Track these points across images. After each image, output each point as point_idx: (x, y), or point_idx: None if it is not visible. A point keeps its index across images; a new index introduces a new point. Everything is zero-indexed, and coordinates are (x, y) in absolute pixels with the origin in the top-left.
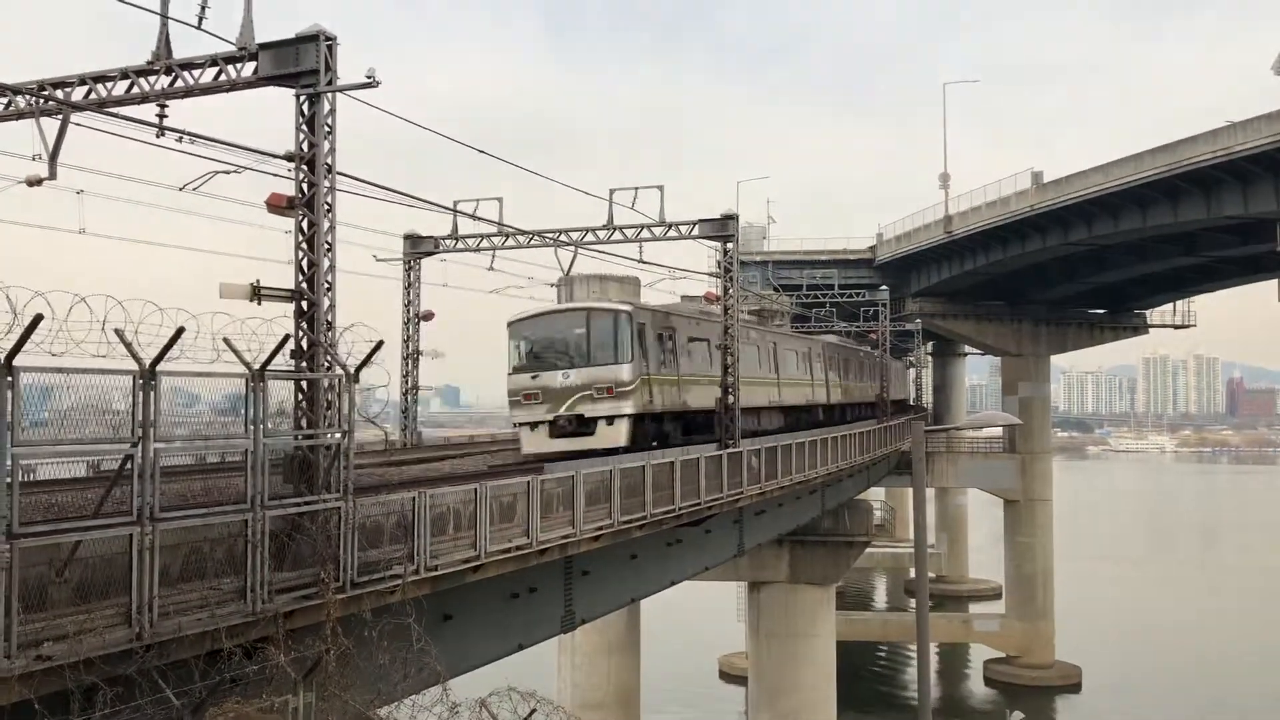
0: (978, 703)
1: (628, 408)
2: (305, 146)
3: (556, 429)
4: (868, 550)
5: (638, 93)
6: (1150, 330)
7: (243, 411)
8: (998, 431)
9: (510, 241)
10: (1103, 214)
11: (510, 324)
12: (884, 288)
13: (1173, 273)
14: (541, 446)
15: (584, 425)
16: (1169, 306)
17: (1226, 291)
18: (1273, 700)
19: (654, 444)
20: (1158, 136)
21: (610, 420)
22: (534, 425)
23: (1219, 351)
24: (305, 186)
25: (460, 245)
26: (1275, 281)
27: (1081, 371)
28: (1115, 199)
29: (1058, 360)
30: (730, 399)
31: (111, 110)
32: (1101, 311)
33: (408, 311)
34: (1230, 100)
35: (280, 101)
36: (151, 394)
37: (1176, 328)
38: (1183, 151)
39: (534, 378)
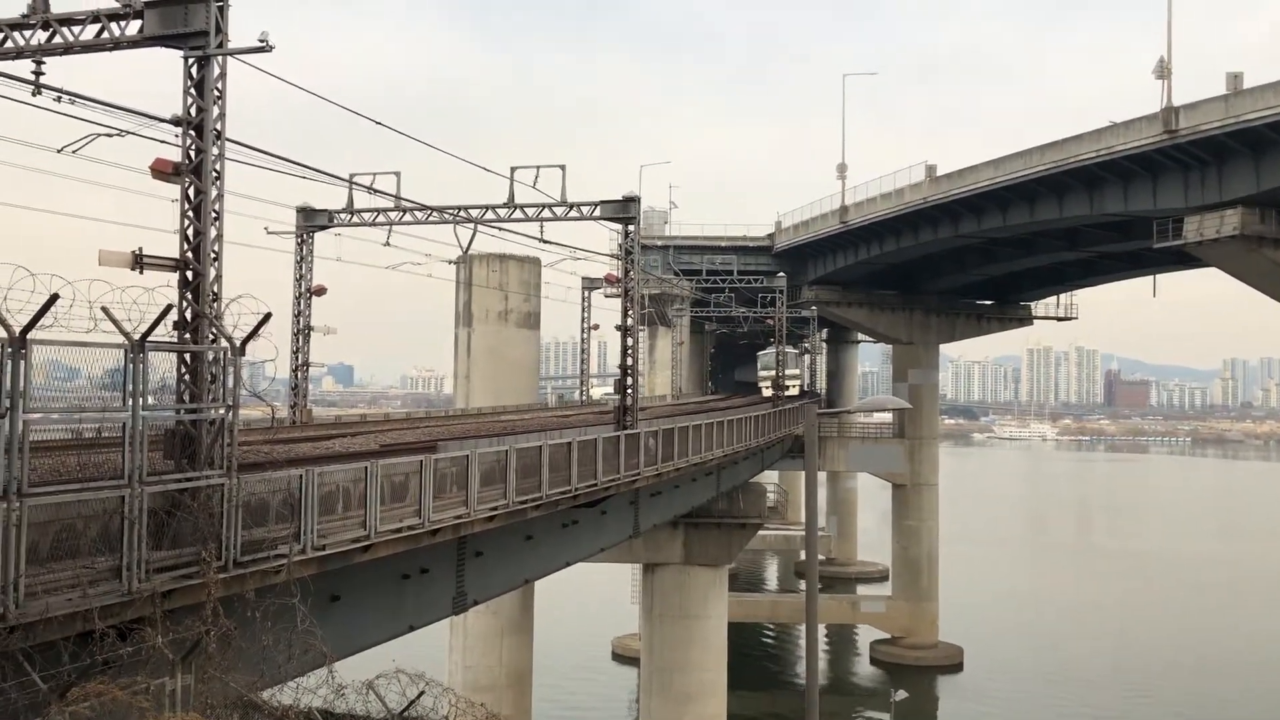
0: (864, 682)
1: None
2: (193, 111)
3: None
4: (760, 532)
5: (548, 74)
6: (1035, 322)
7: (123, 387)
8: (888, 418)
9: (408, 217)
10: (992, 207)
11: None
12: (782, 275)
13: (1057, 267)
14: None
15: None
16: (1053, 299)
17: (1107, 286)
18: (1141, 674)
19: None
20: (1046, 134)
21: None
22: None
23: (1099, 344)
24: (193, 153)
25: (356, 219)
26: (1152, 277)
27: (969, 361)
28: (1005, 193)
29: (946, 349)
30: (630, 380)
31: None
32: (989, 303)
33: (299, 286)
34: (1115, 101)
35: (167, 63)
36: (22, 363)
37: (1060, 320)
38: (1069, 149)
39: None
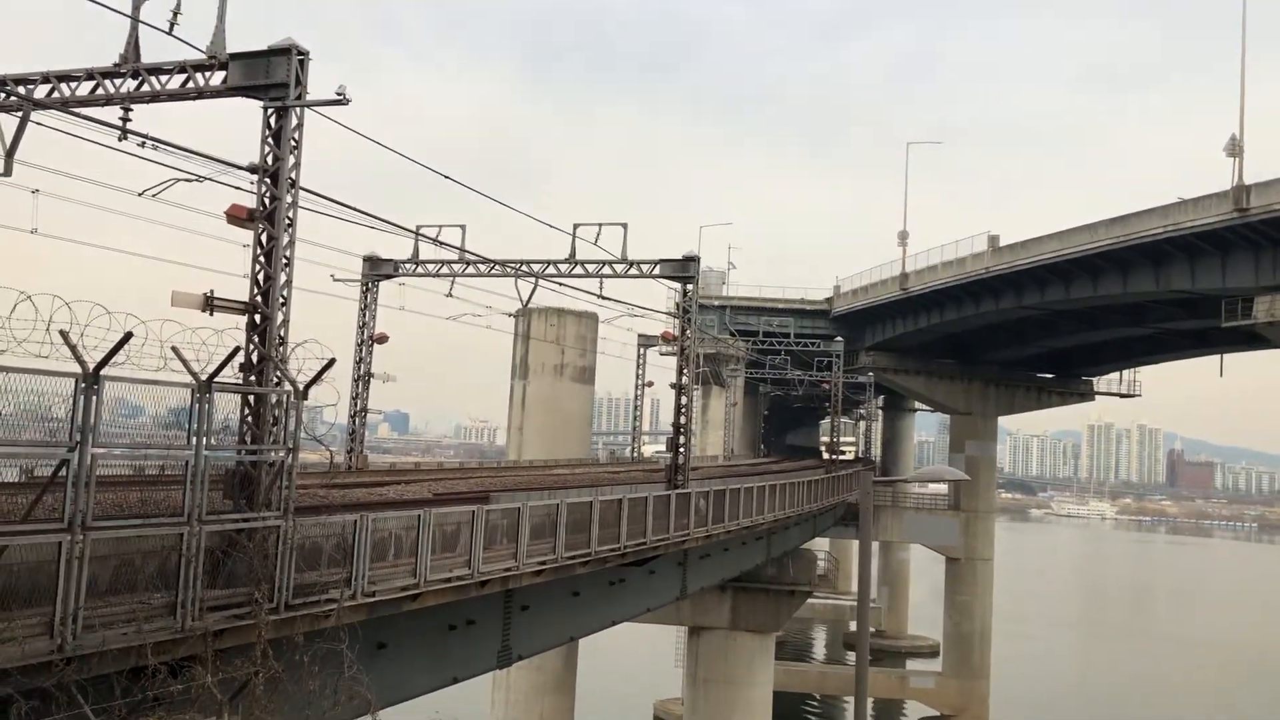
0: None
1: None
2: (270, 159)
3: None
4: (808, 601)
5: (613, 131)
6: (1096, 397)
7: (186, 426)
8: (943, 489)
9: (470, 270)
10: (1056, 280)
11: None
12: (839, 339)
13: (1121, 342)
14: None
15: None
16: (1115, 375)
17: (1172, 364)
18: None
19: None
20: (1112, 209)
21: None
22: None
23: (1162, 422)
24: (267, 199)
25: (420, 270)
26: (1219, 356)
27: (1027, 434)
28: (1068, 266)
29: (1005, 422)
30: (682, 439)
31: (74, 110)
32: (1050, 376)
33: (362, 333)
34: (1184, 178)
35: (239, 111)
36: (94, 399)
37: (1122, 396)
38: (1134, 224)
39: None
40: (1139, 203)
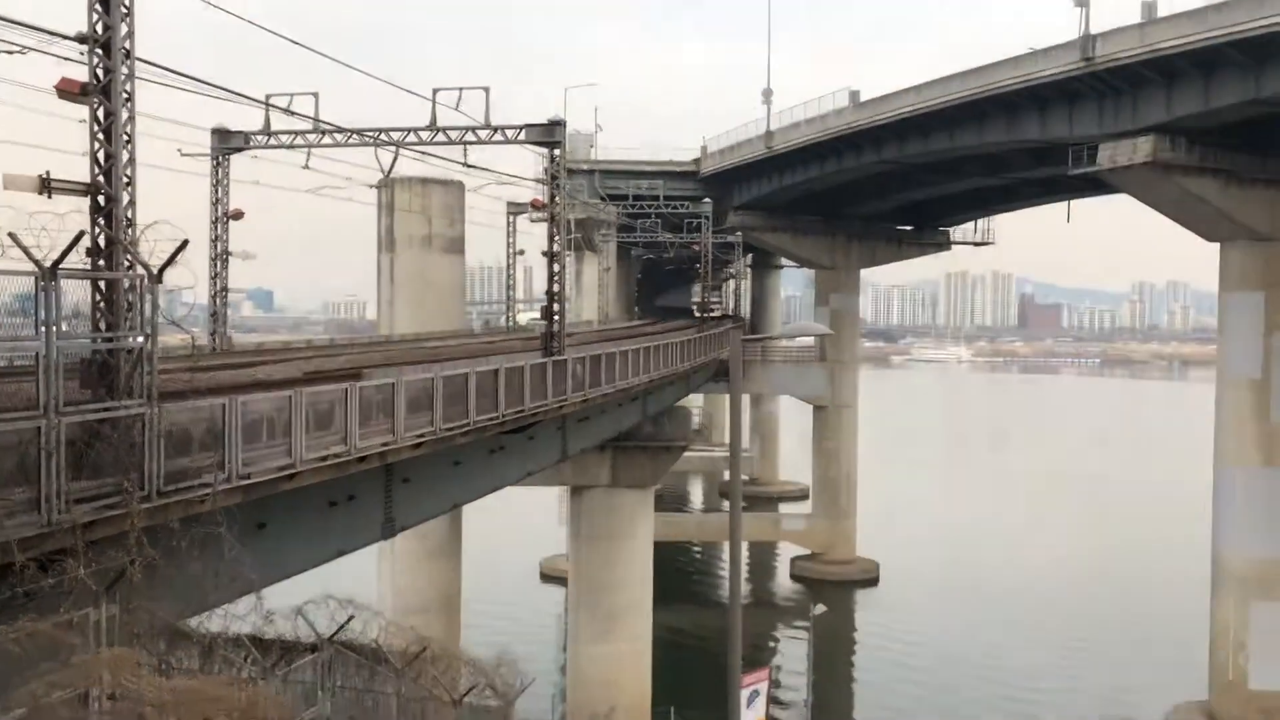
0: (784, 597)
1: None
2: (99, 28)
3: None
4: (685, 455)
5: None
6: (953, 247)
7: (34, 315)
8: (810, 341)
9: (327, 140)
10: (914, 133)
11: None
12: (707, 200)
13: (975, 192)
14: None
15: None
16: (970, 225)
17: (1024, 211)
18: (1048, 583)
19: None
20: (967, 60)
21: None
22: None
23: (1014, 268)
24: (101, 72)
25: (273, 141)
26: (1066, 203)
27: (889, 285)
28: (926, 119)
29: (867, 274)
30: (557, 307)
31: None
32: (909, 228)
33: (216, 210)
34: (1033, 31)
35: None
36: None
37: (977, 245)
38: (989, 76)
39: None
40: (993, 56)
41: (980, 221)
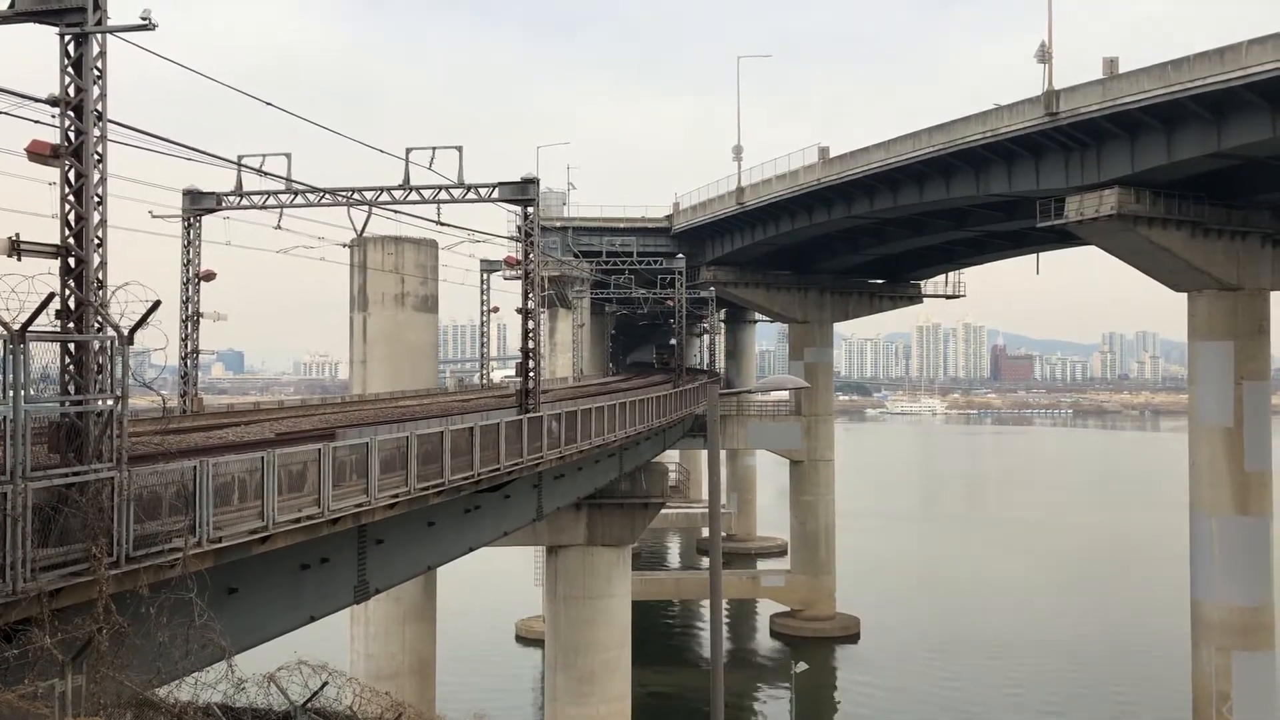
0: (765, 655)
1: None
2: (71, 91)
3: None
4: (662, 511)
5: (446, 50)
6: (924, 300)
7: (0, 378)
8: (785, 396)
9: (300, 199)
10: (884, 188)
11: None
12: (680, 256)
13: (946, 246)
14: None
15: None
16: (941, 278)
17: (993, 265)
18: (1029, 636)
19: None
20: (938, 117)
21: None
22: None
23: (985, 320)
24: (72, 134)
25: (245, 202)
26: (1036, 255)
27: (862, 338)
28: (895, 174)
29: (840, 328)
30: (531, 363)
31: None
32: (881, 281)
33: (187, 271)
34: (1001, 86)
35: (44, 40)
36: None
37: (948, 298)
38: (956, 131)
39: None
40: (962, 110)
41: (951, 274)
